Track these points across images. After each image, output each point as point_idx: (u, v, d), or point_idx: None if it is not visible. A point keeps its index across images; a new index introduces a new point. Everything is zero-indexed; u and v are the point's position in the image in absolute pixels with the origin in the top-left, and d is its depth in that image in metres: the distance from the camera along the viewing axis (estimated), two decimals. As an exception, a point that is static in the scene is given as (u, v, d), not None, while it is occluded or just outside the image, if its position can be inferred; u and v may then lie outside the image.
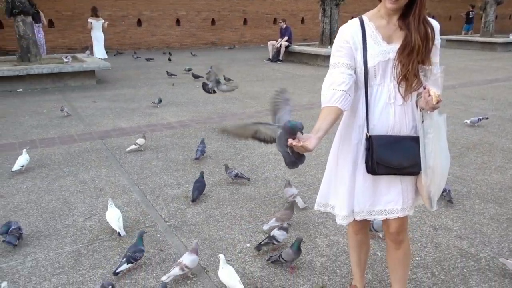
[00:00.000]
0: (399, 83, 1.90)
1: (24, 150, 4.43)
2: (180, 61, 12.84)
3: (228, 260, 2.84)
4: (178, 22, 17.42)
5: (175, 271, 2.58)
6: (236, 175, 4.05)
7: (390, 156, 1.91)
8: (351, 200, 2.07)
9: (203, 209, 3.60)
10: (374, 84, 1.93)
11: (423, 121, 1.89)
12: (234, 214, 3.53)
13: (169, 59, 12.97)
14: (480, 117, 6.10)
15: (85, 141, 5.38)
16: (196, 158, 4.71)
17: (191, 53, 14.58)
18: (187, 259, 2.62)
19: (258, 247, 2.98)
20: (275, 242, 2.95)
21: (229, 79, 9.04)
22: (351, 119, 2.04)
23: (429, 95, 1.74)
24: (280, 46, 13.46)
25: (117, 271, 2.63)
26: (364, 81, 1.93)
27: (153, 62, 12.72)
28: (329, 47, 12.60)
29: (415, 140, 1.92)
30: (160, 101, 7.32)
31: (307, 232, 3.24)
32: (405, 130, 1.96)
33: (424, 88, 1.77)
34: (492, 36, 17.31)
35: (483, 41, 16.98)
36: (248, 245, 3.07)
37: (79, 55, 10.79)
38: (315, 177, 4.27)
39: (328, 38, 13.09)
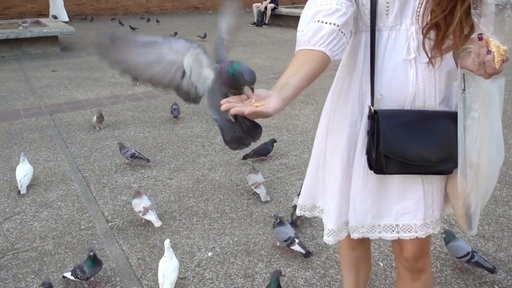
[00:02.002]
0: (425, 35, 1.13)
1: None
2: (151, 29, 11.79)
3: (181, 279, 2.13)
4: (157, -16, 16.17)
5: (154, 214, 2.51)
6: (133, 156, 3.32)
7: (407, 146, 1.17)
8: (343, 208, 1.33)
9: (157, 203, 2.86)
10: (385, 27, 1.17)
11: (464, 90, 1.13)
12: (196, 209, 2.80)
13: (131, 27, 10.90)
14: None
15: (30, 117, 4.55)
16: (175, 117, 4.39)
17: (157, 20, 13.04)
18: (144, 202, 2.52)
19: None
20: None
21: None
22: (345, 82, 1.28)
23: (489, 51, 0.98)
24: (266, 8, 12.45)
25: (64, 274, 2.16)
26: (371, 21, 1.16)
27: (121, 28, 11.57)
28: (318, 8, 11.64)
29: (449, 118, 1.17)
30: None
31: (288, 233, 2.53)
32: (432, 103, 1.20)
33: (480, 40, 0.99)
34: None
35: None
36: (210, 254, 2.34)
37: (43, 20, 9.71)
38: (300, 158, 3.53)
39: None
